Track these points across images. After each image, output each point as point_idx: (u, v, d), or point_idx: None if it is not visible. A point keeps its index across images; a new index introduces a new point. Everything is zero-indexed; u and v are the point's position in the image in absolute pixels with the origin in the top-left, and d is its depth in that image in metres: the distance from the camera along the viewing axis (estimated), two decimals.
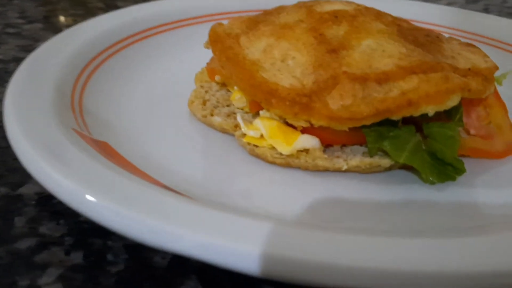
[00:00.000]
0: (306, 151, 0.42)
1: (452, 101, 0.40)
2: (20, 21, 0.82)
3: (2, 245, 0.35)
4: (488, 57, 0.46)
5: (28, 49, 0.69)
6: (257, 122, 0.43)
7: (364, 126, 0.40)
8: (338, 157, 0.42)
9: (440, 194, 0.40)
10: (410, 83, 0.39)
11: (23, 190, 0.41)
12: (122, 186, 0.32)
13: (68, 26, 0.78)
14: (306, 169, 0.42)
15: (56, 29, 0.80)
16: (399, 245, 0.28)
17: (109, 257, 0.34)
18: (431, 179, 0.40)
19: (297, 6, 0.51)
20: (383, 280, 0.27)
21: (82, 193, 0.31)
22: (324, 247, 0.28)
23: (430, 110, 0.39)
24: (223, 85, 0.51)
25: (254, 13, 0.53)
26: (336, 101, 0.39)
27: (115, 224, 0.30)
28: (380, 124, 0.40)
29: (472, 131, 0.45)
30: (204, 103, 0.49)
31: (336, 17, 0.46)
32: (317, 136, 0.42)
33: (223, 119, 0.47)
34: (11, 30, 0.77)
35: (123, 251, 0.35)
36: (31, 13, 0.87)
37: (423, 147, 0.41)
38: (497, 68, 0.44)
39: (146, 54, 0.60)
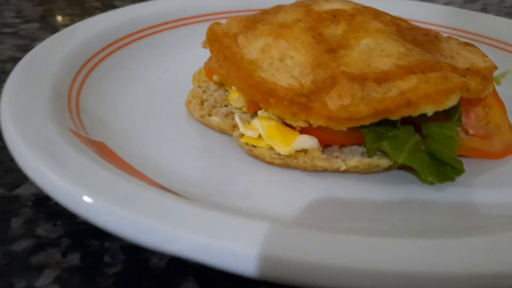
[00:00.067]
0: (304, 151, 0.42)
1: (451, 101, 0.40)
2: (17, 20, 0.82)
3: None
4: (487, 56, 0.46)
5: (25, 49, 0.68)
6: (255, 122, 0.43)
7: (362, 126, 0.40)
8: (336, 157, 0.42)
9: (439, 194, 0.40)
10: (409, 83, 0.39)
11: (19, 191, 0.40)
12: (119, 187, 0.32)
13: (65, 25, 0.78)
14: (304, 169, 0.42)
15: (53, 28, 0.80)
16: (398, 245, 0.28)
17: (106, 258, 0.34)
18: (430, 179, 0.40)
19: (295, 5, 0.51)
20: (381, 281, 0.27)
21: (78, 194, 0.31)
22: (322, 249, 0.27)
23: (429, 110, 0.39)
24: (221, 85, 0.51)
25: (252, 13, 0.53)
26: (334, 101, 0.39)
27: (112, 225, 0.30)
28: (378, 124, 0.40)
29: (471, 131, 0.44)
30: (202, 103, 0.49)
31: (334, 16, 0.46)
32: (316, 136, 0.42)
33: (221, 119, 0.47)
34: (7, 30, 0.77)
35: (121, 253, 0.34)
36: (28, 12, 0.86)
37: (422, 147, 0.41)
38: (496, 67, 0.44)
39: (143, 54, 0.59)
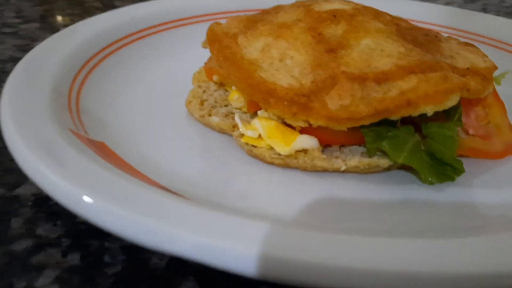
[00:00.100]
0: (304, 151, 0.42)
1: (451, 101, 0.40)
2: (17, 20, 0.82)
3: None
4: (487, 56, 0.46)
5: (25, 49, 0.68)
6: (255, 122, 0.43)
7: (362, 126, 0.40)
8: (336, 157, 0.42)
9: (439, 194, 0.40)
10: (409, 83, 0.39)
11: (19, 191, 0.40)
12: (119, 187, 0.31)
13: (65, 25, 0.78)
14: (304, 169, 0.42)
15: (53, 28, 0.80)
16: (398, 246, 0.28)
17: (106, 258, 0.34)
18: (430, 179, 0.40)
19: (295, 5, 0.51)
20: (382, 281, 0.27)
21: (79, 194, 0.31)
22: (322, 249, 0.27)
23: (429, 110, 0.39)
24: (221, 85, 0.51)
25: (252, 13, 0.53)
26: (334, 101, 0.39)
27: (112, 225, 0.30)
28: (378, 124, 0.40)
29: (471, 131, 0.44)
30: (202, 103, 0.49)
31: (334, 16, 0.46)
32: (316, 136, 0.42)
33: (221, 119, 0.47)
34: (7, 30, 0.77)
35: (121, 253, 0.34)
36: (28, 12, 0.86)
37: (422, 147, 0.41)
38: (496, 67, 0.44)
39: (143, 54, 0.59)
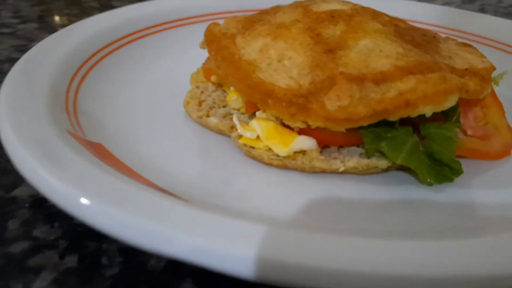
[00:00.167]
0: (303, 152, 0.42)
1: (450, 102, 0.40)
2: (14, 20, 0.82)
3: None
4: (485, 57, 0.46)
5: (23, 49, 0.68)
6: (254, 123, 0.43)
7: (361, 127, 0.40)
8: (335, 158, 0.42)
9: (438, 195, 0.40)
10: (407, 84, 0.39)
11: (16, 192, 0.40)
12: (116, 189, 0.31)
13: (63, 25, 0.78)
14: (303, 170, 0.42)
15: (51, 28, 0.79)
16: (397, 248, 0.28)
17: (104, 260, 0.34)
18: (428, 180, 0.40)
19: (293, 5, 0.50)
20: (380, 283, 0.27)
21: (76, 196, 0.30)
22: (320, 251, 0.27)
23: (428, 111, 0.39)
24: (219, 85, 0.51)
25: (251, 13, 0.53)
26: (333, 102, 0.39)
27: (109, 228, 0.29)
28: (377, 125, 0.40)
29: (469, 132, 0.44)
30: (200, 103, 0.49)
31: (332, 16, 0.46)
32: (314, 137, 0.42)
33: (219, 120, 0.47)
34: (5, 30, 0.77)
35: (118, 255, 0.34)
36: (25, 12, 0.86)
37: (421, 148, 0.41)
38: (494, 68, 0.44)
39: (141, 54, 0.59)
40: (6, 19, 0.82)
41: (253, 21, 0.50)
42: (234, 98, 0.47)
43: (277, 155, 0.42)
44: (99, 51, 0.55)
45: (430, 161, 0.40)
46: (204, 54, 0.50)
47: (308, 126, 0.40)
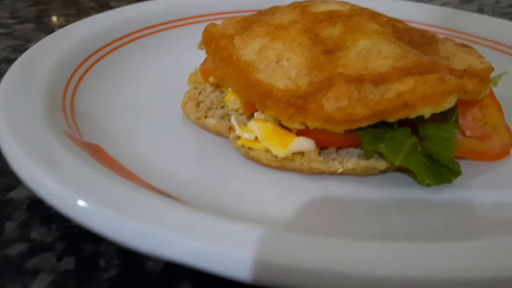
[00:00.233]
0: (301, 153, 0.42)
1: (449, 103, 0.39)
2: (11, 21, 0.81)
3: None
4: (484, 58, 0.46)
5: (20, 50, 0.68)
6: (252, 124, 0.43)
7: (359, 128, 0.40)
8: (333, 159, 0.42)
9: (436, 196, 0.40)
10: (406, 85, 0.39)
11: (13, 194, 0.40)
12: (114, 191, 0.31)
13: (60, 26, 0.78)
14: (301, 172, 0.42)
15: (48, 29, 0.79)
16: (395, 250, 0.28)
17: (102, 262, 0.34)
18: (427, 181, 0.40)
19: (292, 6, 0.50)
20: (378, 286, 0.26)
21: (73, 198, 0.30)
22: (318, 254, 0.27)
23: (427, 112, 0.39)
24: (217, 86, 0.51)
25: (249, 13, 0.53)
26: (331, 103, 0.39)
27: (106, 230, 0.29)
28: (375, 126, 0.40)
29: (468, 133, 0.44)
30: (197, 104, 0.49)
31: (331, 17, 0.46)
32: (313, 138, 0.42)
33: (217, 121, 0.46)
34: (2, 30, 0.76)
35: (116, 257, 0.34)
36: (23, 13, 0.86)
37: (419, 149, 0.41)
38: (492, 69, 0.44)
39: (139, 55, 0.59)
40: (3, 19, 0.82)
41: (251, 22, 0.50)
42: (232, 99, 0.47)
43: (276, 156, 0.42)
44: (96, 52, 0.55)
45: (429, 162, 0.40)
46: (202, 54, 0.50)
47: (307, 127, 0.40)
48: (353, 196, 0.40)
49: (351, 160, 0.41)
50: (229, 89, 0.47)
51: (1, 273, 0.33)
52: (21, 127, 0.37)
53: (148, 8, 0.65)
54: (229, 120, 0.46)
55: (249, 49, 0.45)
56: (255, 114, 0.44)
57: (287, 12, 0.49)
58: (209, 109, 0.48)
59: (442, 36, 0.50)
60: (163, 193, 0.35)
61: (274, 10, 0.51)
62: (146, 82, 0.55)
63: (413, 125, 0.41)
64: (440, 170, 0.40)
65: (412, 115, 0.39)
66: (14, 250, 0.34)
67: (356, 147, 0.43)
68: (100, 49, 0.56)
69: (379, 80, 0.40)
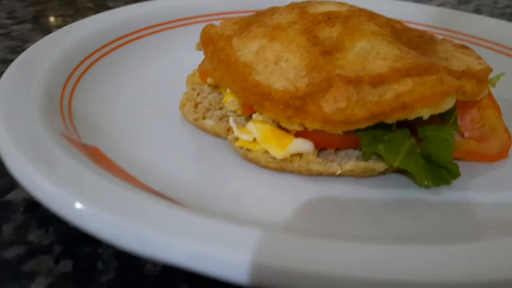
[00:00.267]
0: (299, 155, 0.42)
1: (447, 104, 0.39)
2: (8, 21, 0.81)
3: None
4: (482, 58, 0.46)
5: (17, 51, 0.68)
6: (250, 125, 0.43)
7: (358, 130, 0.40)
8: (332, 161, 0.42)
9: (435, 197, 0.40)
10: (404, 86, 0.39)
11: (10, 196, 0.40)
12: (111, 193, 0.31)
13: (57, 26, 0.77)
14: (299, 173, 0.42)
15: (46, 29, 0.79)
16: (394, 254, 0.28)
17: (99, 265, 0.34)
18: (425, 183, 0.40)
19: (290, 7, 0.50)
20: None
21: (70, 201, 0.30)
22: (316, 256, 0.27)
23: (425, 113, 0.39)
24: (215, 87, 0.51)
25: (247, 14, 0.53)
26: (330, 104, 0.38)
27: (103, 233, 0.29)
28: (374, 127, 0.40)
29: (466, 134, 0.44)
30: (196, 106, 0.49)
31: (329, 18, 0.46)
32: (311, 139, 0.41)
33: (215, 122, 0.46)
34: None
35: (114, 259, 0.34)
36: (20, 13, 0.86)
37: (418, 151, 0.41)
38: (491, 70, 0.44)
39: (137, 56, 0.59)
40: (0, 20, 0.81)
41: (249, 23, 0.49)
42: (230, 100, 0.47)
43: (274, 158, 0.42)
44: (94, 53, 0.55)
45: (428, 164, 0.40)
46: (200, 55, 0.50)
47: (305, 128, 0.40)
48: (352, 198, 0.40)
49: (350, 162, 0.41)
50: (227, 90, 0.47)
51: None
52: (18, 129, 0.37)
53: (146, 9, 0.65)
54: (228, 121, 0.46)
55: (247, 50, 0.45)
56: (254, 115, 0.44)
57: (285, 13, 0.49)
58: (207, 110, 0.48)
59: (440, 37, 0.50)
60: (161, 195, 0.35)
61: (272, 11, 0.51)
62: (144, 83, 0.55)
63: (412, 126, 0.41)
64: (439, 171, 0.40)
65: (411, 116, 0.39)
66: (11, 253, 0.34)
67: (355, 148, 0.43)
68: (98, 50, 0.56)
69: (378, 81, 0.39)
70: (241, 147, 0.43)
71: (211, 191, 0.39)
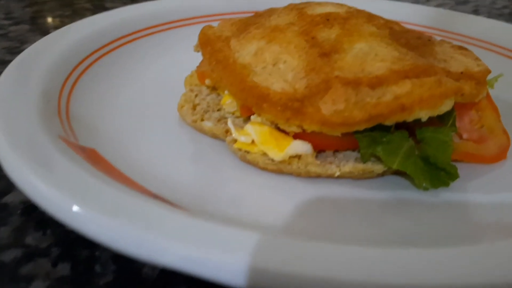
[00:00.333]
0: (298, 157, 0.41)
1: (446, 106, 0.39)
2: (6, 22, 0.81)
3: None
4: (480, 60, 0.46)
5: (15, 51, 0.68)
6: (248, 127, 0.43)
7: (356, 132, 0.40)
8: (330, 163, 0.42)
9: (434, 199, 0.40)
10: (403, 88, 0.39)
11: (8, 198, 0.40)
12: (109, 196, 0.31)
13: (55, 27, 0.77)
14: (298, 175, 0.42)
15: (43, 30, 0.79)
16: (392, 257, 0.27)
17: (97, 268, 0.33)
18: (424, 184, 0.40)
19: (288, 8, 0.50)
20: None
21: (68, 204, 0.30)
22: (315, 260, 0.27)
23: (424, 115, 0.39)
24: (213, 89, 0.51)
25: (246, 15, 0.53)
26: (328, 106, 0.38)
27: (101, 236, 0.29)
28: (373, 129, 0.40)
29: (465, 135, 0.44)
30: (194, 107, 0.49)
31: (327, 19, 0.46)
32: (310, 141, 0.41)
33: (213, 124, 0.46)
34: None
35: (111, 262, 0.34)
36: (17, 14, 0.85)
37: (416, 152, 0.41)
38: (489, 71, 0.44)
39: (134, 57, 0.59)
40: None
41: (247, 24, 0.49)
42: (228, 102, 0.47)
43: (272, 160, 0.41)
44: (91, 54, 0.55)
45: (426, 166, 0.40)
46: (198, 57, 0.49)
47: (304, 130, 0.40)
48: (350, 200, 0.40)
49: (348, 164, 0.41)
50: (226, 92, 0.47)
51: None
52: (15, 130, 0.37)
53: (144, 10, 0.65)
54: (226, 123, 0.46)
55: (246, 51, 0.45)
56: (252, 117, 0.43)
57: (284, 14, 0.49)
58: (206, 112, 0.48)
59: (438, 38, 0.50)
60: (159, 197, 0.35)
61: (270, 12, 0.51)
62: (142, 84, 0.55)
63: (410, 128, 0.41)
64: (437, 173, 0.40)
65: (409, 118, 0.39)
66: (9, 256, 0.34)
67: (353, 150, 0.43)
68: (95, 51, 0.56)
69: (376, 83, 0.39)
70: (240, 149, 0.43)
71: (209, 193, 0.39)
